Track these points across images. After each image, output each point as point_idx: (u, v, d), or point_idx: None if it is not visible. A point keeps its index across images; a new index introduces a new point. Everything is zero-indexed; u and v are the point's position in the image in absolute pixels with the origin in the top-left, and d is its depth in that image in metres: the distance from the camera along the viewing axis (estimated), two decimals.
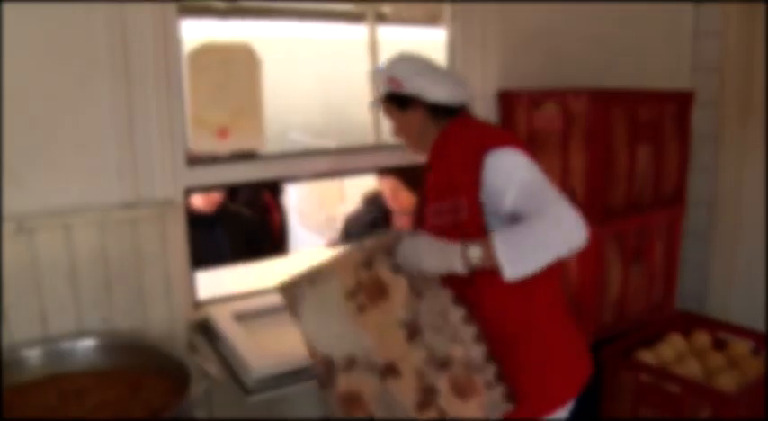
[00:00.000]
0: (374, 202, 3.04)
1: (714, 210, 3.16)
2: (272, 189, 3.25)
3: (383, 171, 2.69)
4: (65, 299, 1.73)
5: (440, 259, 1.44)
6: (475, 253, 1.41)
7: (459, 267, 1.42)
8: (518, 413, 1.49)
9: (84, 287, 1.75)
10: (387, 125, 1.86)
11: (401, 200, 2.80)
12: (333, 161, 2.21)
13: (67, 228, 1.70)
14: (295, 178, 2.28)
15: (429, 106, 1.70)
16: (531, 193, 1.46)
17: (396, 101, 1.74)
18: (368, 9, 2.22)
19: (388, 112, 1.79)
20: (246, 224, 2.92)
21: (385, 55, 2.25)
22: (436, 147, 1.68)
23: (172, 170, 1.85)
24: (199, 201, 2.72)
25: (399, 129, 1.78)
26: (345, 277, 1.56)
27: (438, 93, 1.68)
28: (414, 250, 1.46)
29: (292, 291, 1.62)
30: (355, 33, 2.25)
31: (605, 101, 2.26)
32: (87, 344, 1.68)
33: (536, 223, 1.41)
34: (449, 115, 1.71)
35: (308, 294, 1.59)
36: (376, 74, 1.81)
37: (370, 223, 2.98)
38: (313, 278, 1.59)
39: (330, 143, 2.78)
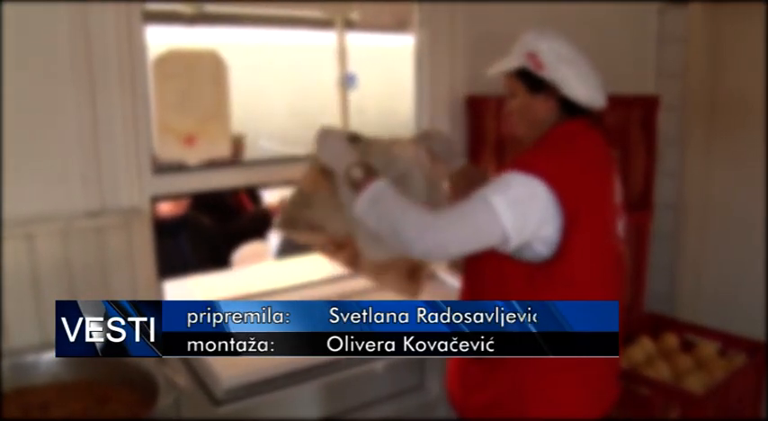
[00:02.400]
0: None
1: (681, 213, 3.21)
2: (251, 194, 3.22)
3: None
4: (28, 310, 1.70)
5: (331, 160, 1.63)
6: (356, 173, 1.53)
7: (342, 174, 1.58)
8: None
9: (48, 297, 1.71)
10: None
11: None
12: (303, 168, 2.19)
13: (30, 237, 1.67)
14: (264, 185, 2.26)
15: (561, 99, 1.54)
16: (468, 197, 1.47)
17: (528, 81, 1.56)
18: (336, 16, 2.22)
19: (511, 88, 1.61)
20: (209, 232, 2.88)
21: (354, 61, 2.25)
22: (539, 144, 1.56)
23: (137, 178, 1.82)
24: (166, 207, 2.68)
25: (517, 111, 1.61)
26: (319, 185, 1.76)
27: (579, 90, 1.52)
28: (322, 140, 1.66)
29: (296, 224, 1.77)
30: (324, 40, 2.25)
31: None
32: (51, 355, 1.63)
33: (412, 207, 1.44)
34: (573, 114, 1.56)
35: (308, 216, 1.76)
36: (523, 44, 1.58)
37: None
38: (305, 201, 1.77)
39: (300, 150, 2.77)
